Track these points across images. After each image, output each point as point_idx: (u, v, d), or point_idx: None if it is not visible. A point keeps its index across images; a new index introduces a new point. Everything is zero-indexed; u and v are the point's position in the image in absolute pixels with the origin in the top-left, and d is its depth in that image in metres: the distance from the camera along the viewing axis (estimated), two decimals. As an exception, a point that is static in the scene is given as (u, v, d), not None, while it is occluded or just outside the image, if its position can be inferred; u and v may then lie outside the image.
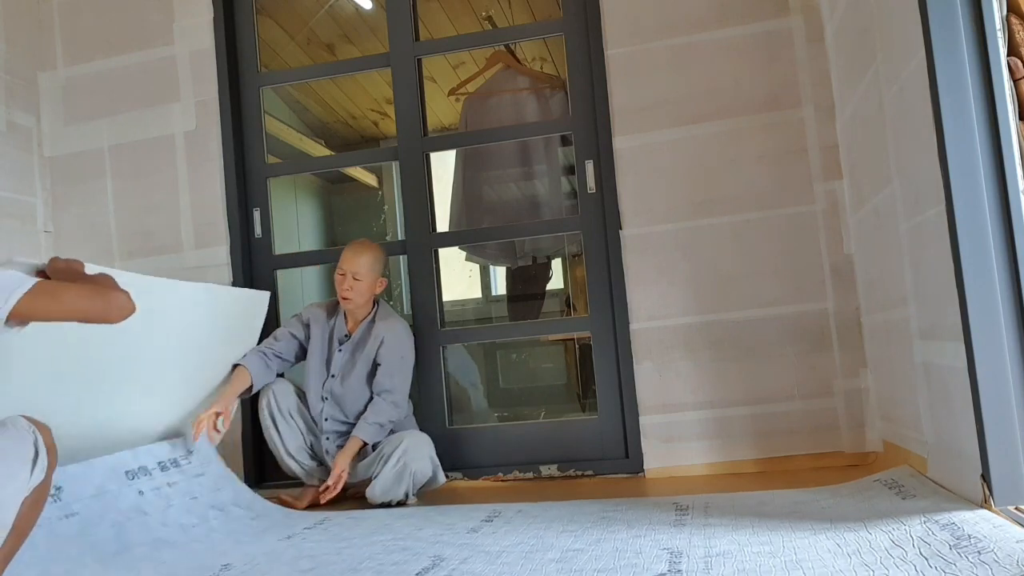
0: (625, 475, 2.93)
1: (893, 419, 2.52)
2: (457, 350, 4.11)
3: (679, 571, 1.61)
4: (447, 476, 2.91)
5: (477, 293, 5.17)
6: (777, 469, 2.78)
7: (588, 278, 3.07)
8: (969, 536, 1.57)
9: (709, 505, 2.23)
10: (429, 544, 2.03)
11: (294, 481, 2.99)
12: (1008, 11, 1.79)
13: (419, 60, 3.29)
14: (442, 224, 3.77)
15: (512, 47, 3.96)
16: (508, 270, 4.34)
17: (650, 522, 2.07)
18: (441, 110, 4.90)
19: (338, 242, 5.30)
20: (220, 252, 3.27)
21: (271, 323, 3.22)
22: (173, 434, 2.68)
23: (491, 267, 4.89)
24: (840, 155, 2.81)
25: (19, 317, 1.57)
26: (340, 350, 2.90)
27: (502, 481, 3.03)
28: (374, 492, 2.67)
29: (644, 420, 2.91)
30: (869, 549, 1.64)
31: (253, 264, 3.33)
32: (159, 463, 2.48)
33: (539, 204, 4.08)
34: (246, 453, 3.18)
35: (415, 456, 2.69)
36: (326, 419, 2.87)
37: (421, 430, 2.92)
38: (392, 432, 2.83)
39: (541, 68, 4.56)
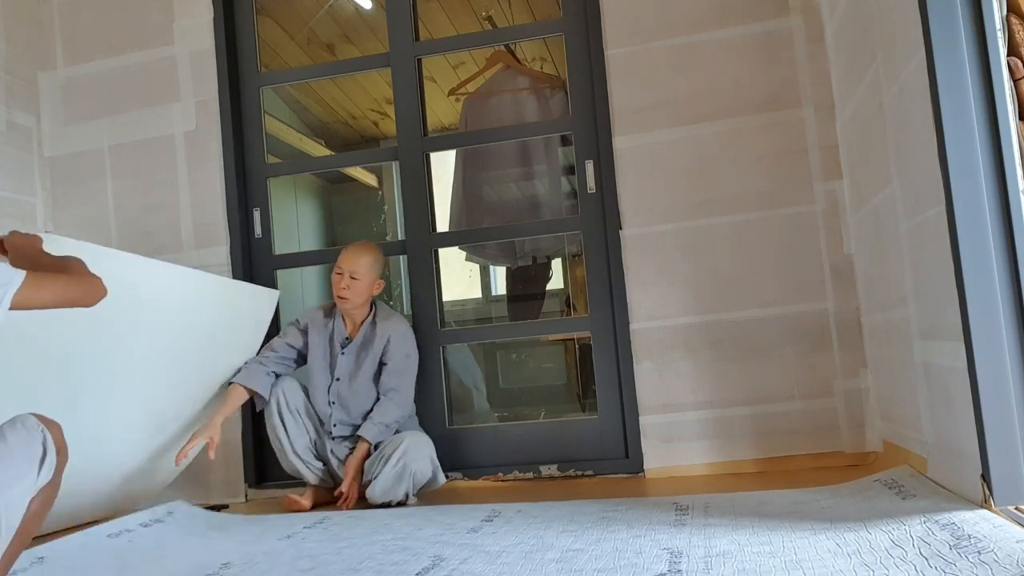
0: (625, 475, 2.93)
1: (893, 419, 2.52)
2: (463, 350, 4.11)
3: (679, 571, 1.61)
4: (447, 476, 2.91)
5: (477, 293, 5.17)
6: (777, 469, 2.78)
7: (588, 278, 3.08)
8: (969, 536, 1.57)
9: (709, 505, 2.23)
10: (429, 544, 2.03)
11: (294, 481, 2.99)
12: (1008, 11, 1.79)
13: (419, 60, 3.29)
14: (442, 224, 3.77)
15: (512, 47, 3.96)
16: (508, 270, 4.34)
17: (650, 522, 2.07)
18: (441, 110, 4.90)
19: (338, 242, 5.30)
20: (220, 252, 3.27)
21: (272, 325, 3.22)
22: (164, 450, 2.69)
23: (491, 267, 4.90)
24: (840, 155, 2.81)
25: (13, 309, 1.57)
26: (343, 353, 2.89)
27: (502, 481, 3.03)
28: (374, 492, 2.67)
29: (644, 420, 2.91)
30: (869, 549, 1.64)
31: (253, 264, 3.33)
32: (141, 523, 2.44)
33: (539, 204, 4.08)
34: (246, 453, 3.18)
35: (415, 457, 2.69)
36: (335, 424, 2.86)
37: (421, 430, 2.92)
38: (396, 431, 2.83)
39: (541, 68, 4.56)
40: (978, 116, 1.76)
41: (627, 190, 2.98)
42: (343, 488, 2.71)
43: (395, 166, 4.64)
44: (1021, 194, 1.74)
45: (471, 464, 3.08)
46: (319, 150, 5.09)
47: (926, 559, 1.52)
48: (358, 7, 4.35)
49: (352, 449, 2.81)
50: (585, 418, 3.32)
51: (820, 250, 2.83)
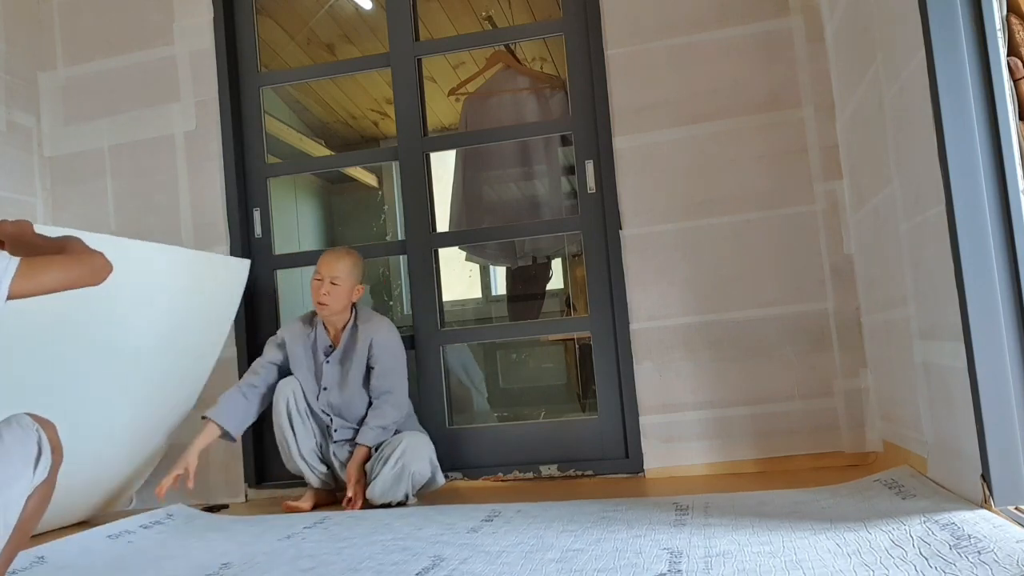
0: (625, 475, 2.93)
1: (893, 419, 2.52)
2: (463, 350, 4.11)
3: (679, 571, 1.61)
4: (447, 476, 2.91)
5: (477, 293, 5.17)
6: (777, 469, 2.78)
7: (588, 278, 3.08)
8: (969, 536, 1.57)
9: (709, 505, 2.23)
10: (429, 544, 2.03)
11: (294, 481, 2.99)
12: (1008, 11, 1.79)
13: (419, 60, 3.29)
14: (442, 224, 3.77)
15: (512, 47, 3.96)
16: (508, 270, 4.34)
17: (650, 522, 2.06)
18: (441, 110, 4.90)
19: (338, 242, 5.31)
20: (220, 252, 3.26)
21: (272, 325, 3.23)
22: (145, 439, 2.70)
23: (491, 267, 4.90)
24: (840, 155, 2.81)
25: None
26: (327, 362, 2.84)
27: (502, 481, 3.03)
28: (373, 493, 2.66)
29: (644, 420, 2.91)
30: (869, 549, 1.64)
31: (253, 264, 3.32)
32: (141, 525, 2.46)
33: (539, 204, 4.08)
34: (246, 453, 3.18)
35: (414, 457, 2.68)
36: (335, 430, 2.85)
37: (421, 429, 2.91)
38: (396, 431, 2.82)
39: (541, 68, 4.56)
40: (978, 116, 1.76)
41: (627, 190, 2.98)
42: (349, 494, 2.69)
43: (395, 166, 4.64)
44: (1021, 194, 1.74)
45: (471, 464, 3.08)
46: (319, 150, 5.09)
47: (926, 559, 1.52)
48: (358, 7, 4.35)
49: (352, 452, 2.80)
50: (585, 418, 3.32)
51: (820, 250, 2.83)
